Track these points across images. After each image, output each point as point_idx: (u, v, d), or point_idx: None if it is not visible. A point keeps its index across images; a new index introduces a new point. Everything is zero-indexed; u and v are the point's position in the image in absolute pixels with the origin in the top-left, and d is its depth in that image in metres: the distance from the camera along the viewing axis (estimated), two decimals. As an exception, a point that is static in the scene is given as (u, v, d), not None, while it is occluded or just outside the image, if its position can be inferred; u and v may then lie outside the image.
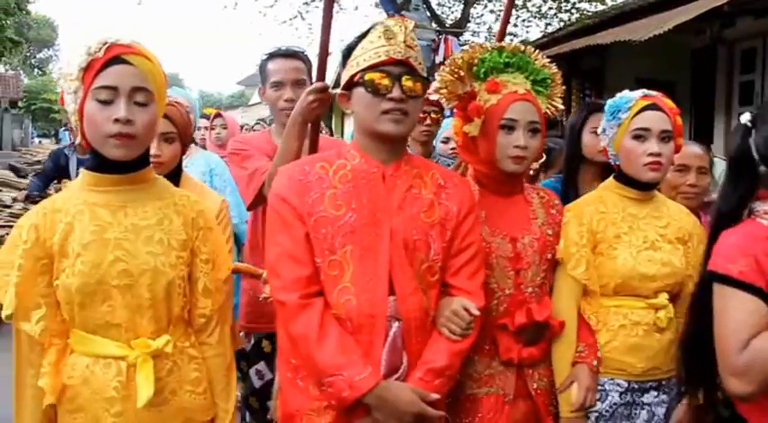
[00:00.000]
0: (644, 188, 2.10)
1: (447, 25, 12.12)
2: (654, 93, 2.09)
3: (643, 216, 2.07)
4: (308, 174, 1.73)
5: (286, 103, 2.37)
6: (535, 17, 13.11)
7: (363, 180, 1.73)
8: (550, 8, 12.93)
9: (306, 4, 12.99)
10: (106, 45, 1.51)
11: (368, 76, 1.68)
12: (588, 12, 12.25)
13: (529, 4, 12.96)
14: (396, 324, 1.68)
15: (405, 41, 1.69)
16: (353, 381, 1.59)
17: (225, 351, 1.74)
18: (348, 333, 1.66)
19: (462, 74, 1.95)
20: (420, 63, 1.74)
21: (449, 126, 3.74)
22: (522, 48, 2.01)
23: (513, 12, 13.47)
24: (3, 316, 1.54)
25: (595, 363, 1.99)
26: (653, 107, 2.04)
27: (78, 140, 1.61)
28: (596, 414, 2.02)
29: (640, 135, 2.03)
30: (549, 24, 12.87)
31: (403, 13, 11.43)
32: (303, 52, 2.56)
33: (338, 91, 1.80)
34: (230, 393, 1.73)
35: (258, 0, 13.06)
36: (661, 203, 2.14)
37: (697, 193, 2.58)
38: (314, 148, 2.15)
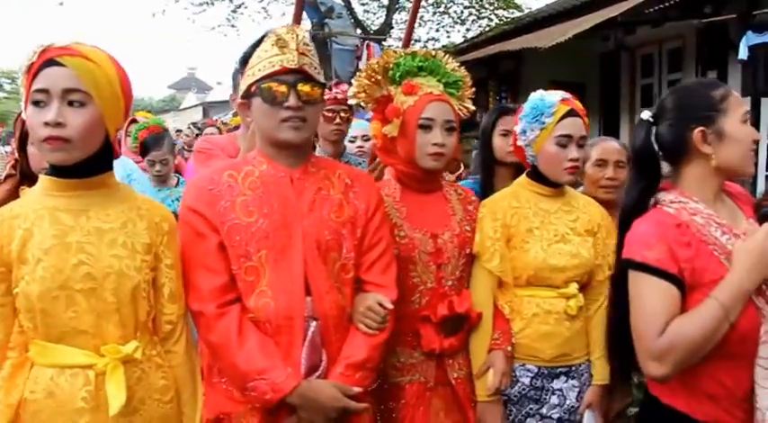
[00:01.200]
0: (556, 185, 2.15)
1: (371, 32, 12.24)
2: (568, 96, 2.12)
3: (554, 211, 2.12)
4: (216, 183, 1.71)
5: None
6: (456, 23, 13.50)
7: (272, 185, 1.71)
8: (470, 14, 13.34)
9: (234, 11, 12.96)
10: (41, 48, 1.45)
11: (264, 86, 1.66)
12: (506, 18, 12.74)
13: (450, 11, 13.36)
14: (313, 323, 1.68)
15: (297, 49, 1.67)
16: (276, 383, 1.59)
17: (190, 358, 1.67)
18: (267, 335, 1.65)
19: (379, 78, 2.00)
20: (316, 68, 1.73)
21: (360, 126, 3.73)
22: (434, 53, 2.07)
23: (436, 18, 13.82)
24: None
25: (510, 348, 2.04)
26: (573, 113, 2.08)
27: (30, 148, 1.62)
28: (506, 398, 2.06)
29: (563, 142, 2.06)
30: (469, 30, 13.27)
31: (326, 20, 11.68)
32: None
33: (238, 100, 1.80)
34: (197, 401, 1.66)
35: (187, 8, 12.95)
36: (571, 198, 2.19)
37: (616, 186, 2.63)
38: None
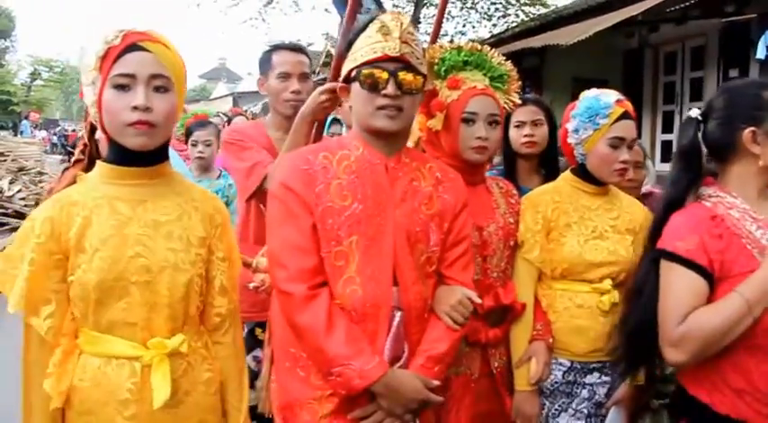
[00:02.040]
0: (600, 184, 2.13)
1: None
2: (622, 97, 2.09)
3: (595, 208, 2.10)
4: (312, 163, 1.67)
5: (292, 95, 2.37)
6: (483, 18, 13.58)
7: (367, 171, 1.68)
8: (497, 10, 13.43)
9: (266, 5, 13.21)
10: (123, 33, 1.43)
11: (363, 72, 1.64)
12: (532, 14, 12.77)
13: (477, 6, 13.43)
14: (398, 314, 1.65)
15: (400, 38, 1.64)
16: (363, 370, 1.55)
17: (238, 351, 1.66)
18: (352, 322, 1.61)
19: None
20: (418, 58, 1.69)
21: None
22: (479, 47, 2.04)
23: (463, 13, 13.88)
24: (10, 310, 1.42)
25: (551, 340, 2.03)
26: (626, 116, 2.06)
27: (99, 134, 1.51)
28: (539, 390, 2.06)
29: (615, 144, 2.04)
30: (495, 25, 13.27)
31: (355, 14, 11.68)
32: (306, 47, 2.56)
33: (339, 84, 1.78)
34: (243, 393, 1.64)
35: (218, 1, 13.28)
36: (614, 197, 2.17)
37: (634, 186, 2.67)
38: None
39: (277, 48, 2.50)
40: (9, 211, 9.51)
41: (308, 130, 2.12)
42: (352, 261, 1.62)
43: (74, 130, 24.62)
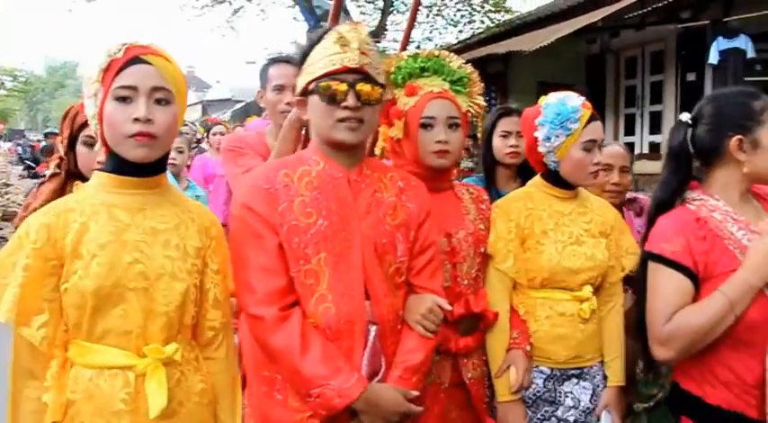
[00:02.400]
0: (571, 188, 2.10)
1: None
2: (583, 99, 2.06)
3: (568, 212, 2.07)
4: (273, 182, 1.63)
5: (287, 106, 2.35)
6: (449, 25, 13.71)
7: (330, 185, 1.64)
8: (463, 16, 13.55)
9: (233, 14, 13.26)
10: (125, 46, 1.43)
11: (322, 84, 1.60)
12: (497, 20, 12.95)
13: (443, 13, 13.58)
14: (373, 328, 1.62)
15: (359, 48, 1.61)
16: (343, 388, 1.52)
17: (230, 365, 1.62)
18: (328, 341, 1.58)
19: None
20: (376, 68, 1.66)
21: None
22: (436, 52, 2.01)
23: (430, 19, 14.04)
24: (1, 319, 1.37)
25: (529, 348, 1.99)
26: (594, 117, 2.04)
27: (98, 146, 1.51)
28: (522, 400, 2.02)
29: (588, 147, 2.02)
30: (462, 31, 13.39)
31: (322, 24, 11.72)
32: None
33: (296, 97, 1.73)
34: (236, 408, 1.60)
35: (185, 11, 13.37)
36: (584, 199, 2.14)
37: (620, 191, 2.68)
38: None
39: (274, 61, 2.53)
40: None
41: (295, 135, 2.12)
42: (322, 278, 1.59)
43: (38, 141, 24.14)
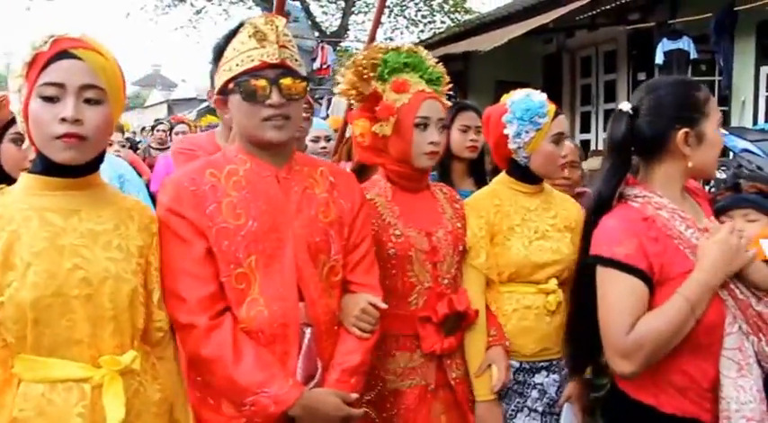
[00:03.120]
0: (536, 182, 2.10)
1: (328, 33, 12.40)
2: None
3: (534, 208, 2.06)
4: (198, 183, 1.53)
5: None
6: (411, 24, 13.91)
7: (259, 185, 1.56)
8: (424, 17, 13.76)
9: (196, 14, 13.25)
10: (52, 38, 1.30)
11: (243, 83, 1.50)
12: (457, 20, 13.15)
13: (405, 13, 13.73)
14: (308, 330, 1.56)
15: (277, 42, 1.51)
16: (278, 395, 1.46)
17: (178, 365, 1.54)
18: (260, 345, 1.51)
19: (369, 75, 1.86)
20: (297, 60, 1.57)
21: (320, 126, 3.72)
22: (416, 48, 1.95)
23: (391, 19, 14.20)
24: None
25: (507, 343, 1.96)
26: (558, 112, 2.06)
27: (26, 144, 1.38)
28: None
29: (557, 140, 2.03)
30: (423, 31, 13.58)
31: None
32: None
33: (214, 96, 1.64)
34: (188, 409, 1.53)
35: (147, 11, 13.28)
36: (549, 195, 2.13)
37: (569, 184, 2.71)
38: None
39: None
40: None
41: None
42: (253, 282, 1.52)
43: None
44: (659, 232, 1.52)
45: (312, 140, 3.55)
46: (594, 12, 7.46)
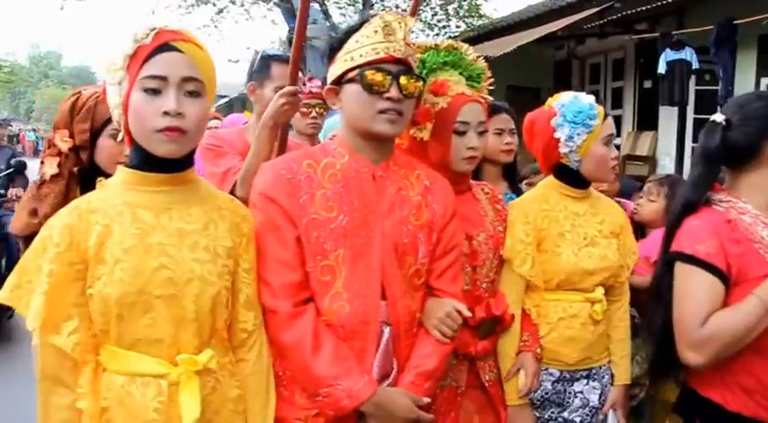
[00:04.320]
0: (585, 186, 2.03)
1: None
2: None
3: (583, 213, 1.99)
4: (295, 172, 1.51)
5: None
6: (426, 28, 14.03)
7: (354, 180, 1.53)
8: (439, 21, 13.92)
9: (218, 13, 13.56)
10: (154, 31, 1.28)
11: (366, 73, 1.47)
12: (472, 24, 13.07)
13: (422, 16, 13.88)
14: (387, 329, 1.52)
15: (404, 39, 1.51)
16: (352, 390, 1.43)
17: (263, 368, 1.48)
18: (340, 340, 1.48)
19: None
20: (416, 61, 1.58)
21: (336, 125, 3.95)
22: (456, 44, 1.86)
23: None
24: (28, 328, 1.27)
25: (539, 350, 1.90)
26: (606, 113, 1.99)
27: (121, 137, 1.36)
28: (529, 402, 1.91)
29: (608, 142, 1.98)
30: (438, 35, 13.68)
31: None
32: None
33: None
34: (268, 415, 1.47)
35: (171, 10, 13.58)
36: (596, 199, 2.05)
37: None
38: (282, 149, 2.05)
39: (279, 59, 2.40)
40: None
41: (270, 134, 2.03)
42: (338, 276, 1.49)
43: (20, 130, 23.80)
44: (740, 235, 1.54)
45: (329, 139, 3.57)
46: (603, 21, 7.62)
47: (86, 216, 1.30)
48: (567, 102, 1.99)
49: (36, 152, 32.91)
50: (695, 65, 7.05)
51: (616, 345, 2.03)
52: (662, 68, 7.07)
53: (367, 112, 1.50)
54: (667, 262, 1.62)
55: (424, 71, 1.79)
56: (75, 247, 1.28)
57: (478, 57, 1.89)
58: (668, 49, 7.08)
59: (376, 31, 1.50)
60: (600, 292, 1.96)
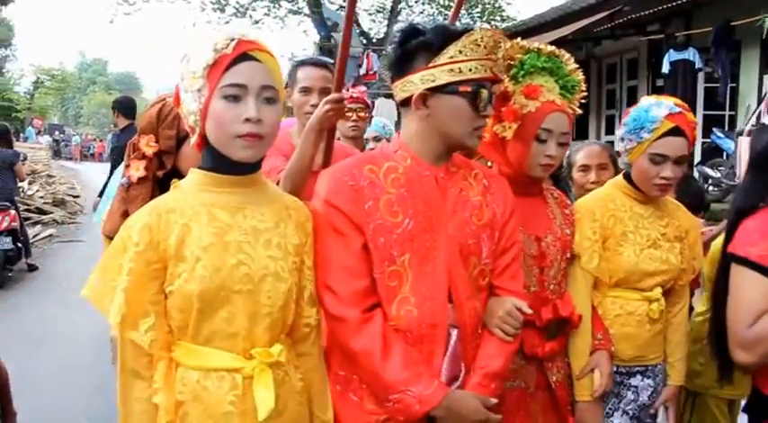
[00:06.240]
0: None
1: (374, 41, 12.81)
2: (678, 109, 1.87)
3: (648, 215, 1.93)
4: (357, 178, 1.46)
5: (311, 108, 2.28)
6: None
7: (417, 184, 1.49)
8: (464, 24, 14.28)
9: (254, 23, 14.14)
10: (234, 41, 1.29)
11: (478, 90, 1.44)
12: (497, 26, 13.79)
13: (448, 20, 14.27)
14: (455, 332, 1.48)
15: (503, 59, 1.50)
16: (423, 395, 1.40)
17: (322, 362, 1.50)
18: (408, 344, 1.45)
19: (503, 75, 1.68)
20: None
21: (377, 126, 3.79)
22: (558, 52, 1.81)
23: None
24: (111, 323, 1.31)
25: (613, 348, 1.86)
26: (675, 132, 1.83)
27: (194, 140, 1.39)
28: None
29: (657, 160, 1.84)
30: (466, 36, 14.20)
31: (332, 34, 12.07)
32: (331, 63, 2.47)
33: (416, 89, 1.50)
34: (328, 404, 1.48)
35: (210, 22, 14.28)
36: (663, 203, 1.98)
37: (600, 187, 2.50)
38: (328, 153, 2.05)
39: (302, 63, 2.49)
40: (31, 207, 10.32)
41: (315, 138, 2.03)
42: (405, 280, 1.46)
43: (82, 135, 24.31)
44: None
45: (375, 139, 3.68)
46: (614, 23, 7.79)
47: (165, 216, 1.31)
48: (639, 105, 1.94)
49: (83, 156, 34.38)
50: (698, 64, 7.27)
51: (675, 347, 1.97)
52: (665, 68, 7.37)
53: (466, 128, 1.48)
54: (724, 263, 1.60)
55: (521, 72, 1.76)
56: (155, 246, 1.30)
57: (578, 68, 1.85)
58: (672, 50, 7.35)
59: (479, 45, 1.45)
60: (658, 291, 1.90)
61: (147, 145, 1.86)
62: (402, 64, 1.49)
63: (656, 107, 1.88)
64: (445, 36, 1.45)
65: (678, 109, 1.87)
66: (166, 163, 1.85)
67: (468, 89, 1.44)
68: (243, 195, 1.37)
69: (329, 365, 1.53)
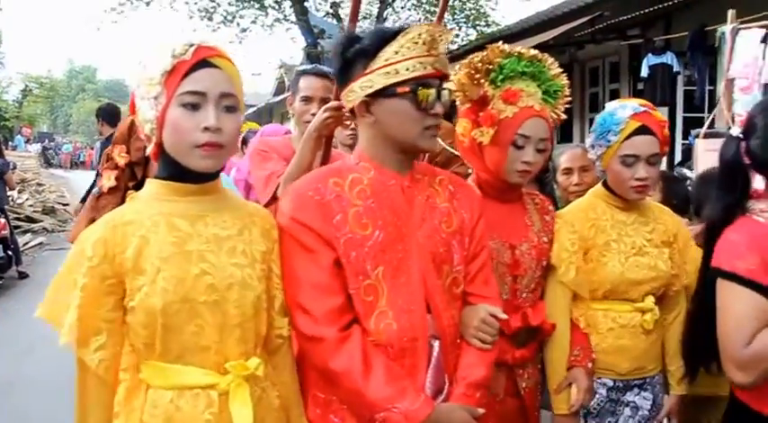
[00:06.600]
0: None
1: None
2: (642, 109, 1.84)
3: (631, 222, 1.89)
4: (323, 192, 1.41)
5: (311, 117, 2.27)
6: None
7: (383, 194, 1.44)
8: (451, 29, 14.50)
9: (242, 31, 14.32)
10: (193, 47, 1.24)
11: (418, 90, 1.38)
12: (482, 31, 13.41)
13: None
14: (436, 343, 1.44)
15: (444, 52, 1.42)
16: (410, 411, 1.34)
17: (295, 373, 1.45)
18: (390, 359, 1.39)
19: (480, 78, 1.71)
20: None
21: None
22: (540, 56, 1.77)
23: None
24: (61, 342, 1.23)
25: (590, 365, 1.80)
26: (643, 131, 1.80)
27: (150, 150, 1.33)
28: (585, 411, 1.84)
29: (628, 162, 1.81)
30: (453, 42, 14.51)
31: (318, 41, 12.08)
32: (332, 73, 2.33)
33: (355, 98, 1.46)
34: (302, 419, 1.44)
35: (196, 30, 14.50)
36: (646, 208, 1.94)
37: (584, 189, 2.49)
38: (325, 160, 2.05)
39: (305, 73, 2.54)
40: (21, 216, 10.28)
41: (314, 145, 2.02)
42: (381, 294, 1.41)
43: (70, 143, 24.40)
44: None
45: None
46: (596, 27, 7.96)
47: (122, 228, 1.25)
48: (605, 110, 1.90)
49: (72, 164, 34.33)
50: (676, 68, 7.38)
51: (674, 355, 1.92)
52: (644, 72, 7.50)
53: (414, 129, 1.42)
54: (707, 277, 1.53)
55: (500, 77, 1.71)
56: (110, 260, 1.23)
57: (561, 73, 1.80)
58: (650, 54, 7.50)
59: (416, 43, 1.38)
60: (650, 301, 1.86)
61: (119, 155, 1.85)
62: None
63: (621, 109, 1.86)
64: (380, 39, 1.40)
65: (642, 108, 1.85)
66: (137, 173, 1.84)
67: (407, 89, 1.39)
68: (203, 203, 1.32)
69: (306, 388, 1.48)
